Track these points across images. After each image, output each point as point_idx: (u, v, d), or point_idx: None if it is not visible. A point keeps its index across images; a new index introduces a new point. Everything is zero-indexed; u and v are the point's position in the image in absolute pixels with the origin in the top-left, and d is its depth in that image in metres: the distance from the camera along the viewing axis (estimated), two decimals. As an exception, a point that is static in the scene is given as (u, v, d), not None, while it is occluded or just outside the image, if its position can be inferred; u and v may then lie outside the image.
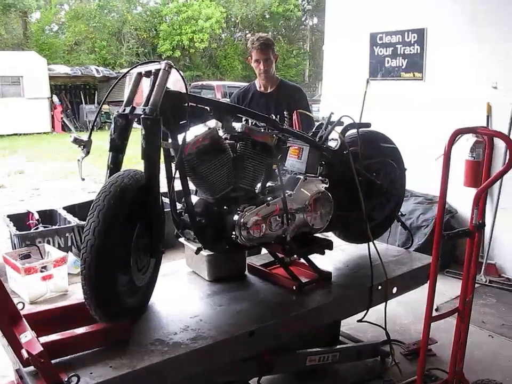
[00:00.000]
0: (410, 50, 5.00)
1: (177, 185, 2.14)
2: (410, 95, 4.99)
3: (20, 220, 4.83)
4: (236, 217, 2.21)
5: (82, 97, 18.15)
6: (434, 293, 2.23)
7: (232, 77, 25.50)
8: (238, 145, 2.30)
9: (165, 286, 2.42)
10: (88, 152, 2.14)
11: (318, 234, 2.68)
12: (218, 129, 2.26)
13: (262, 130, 2.34)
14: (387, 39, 5.19)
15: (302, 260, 2.69)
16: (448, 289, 3.83)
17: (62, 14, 26.40)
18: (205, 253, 2.50)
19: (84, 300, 1.89)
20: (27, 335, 1.74)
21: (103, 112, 16.51)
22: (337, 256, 2.96)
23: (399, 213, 3.16)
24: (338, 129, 2.68)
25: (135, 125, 2.14)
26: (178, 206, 2.25)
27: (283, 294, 2.47)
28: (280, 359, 2.44)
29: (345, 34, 5.60)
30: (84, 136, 2.15)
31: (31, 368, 1.71)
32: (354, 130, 2.76)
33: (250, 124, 2.35)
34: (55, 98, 16.79)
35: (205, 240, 2.23)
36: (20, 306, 1.95)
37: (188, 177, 2.18)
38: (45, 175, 9.51)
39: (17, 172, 9.74)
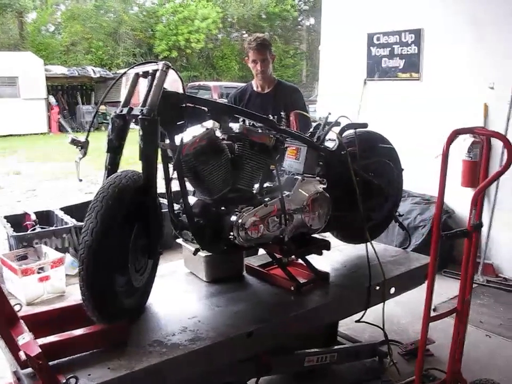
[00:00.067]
0: (407, 51, 5.01)
1: (175, 186, 2.14)
2: (407, 96, 4.99)
3: (16, 221, 4.82)
4: (233, 218, 2.20)
5: (79, 97, 18.15)
6: (433, 293, 2.23)
7: (229, 78, 25.45)
8: (236, 145, 2.30)
9: (162, 287, 2.42)
10: (85, 153, 2.14)
11: (315, 235, 2.68)
12: (216, 130, 2.25)
13: (260, 131, 2.34)
14: (384, 40, 5.20)
15: (300, 261, 2.69)
16: (446, 289, 3.83)
17: (58, 14, 26.29)
18: (202, 253, 2.50)
19: (81, 301, 1.89)
20: (25, 337, 1.74)
21: (100, 113, 16.47)
22: (335, 256, 2.96)
23: (397, 213, 3.17)
24: (336, 129, 2.69)
25: (132, 125, 2.14)
26: (176, 206, 2.25)
27: (281, 295, 2.46)
28: (279, 360, 2.44)
29: (342, 34, 5.61)
30: (81, 137, 2.15)
31: (29, 370, 1.71)
32: (351, 131, 2.76)
33: (248, 124, 2.35)
34: (52, 99, 16.76)
35: (202, 241, 2.22)
36: (17, 308, 1.95)
37: (185, 178, 2.17)
38: (42, 175, 9.48)
39: (14, 172, 9.71)
